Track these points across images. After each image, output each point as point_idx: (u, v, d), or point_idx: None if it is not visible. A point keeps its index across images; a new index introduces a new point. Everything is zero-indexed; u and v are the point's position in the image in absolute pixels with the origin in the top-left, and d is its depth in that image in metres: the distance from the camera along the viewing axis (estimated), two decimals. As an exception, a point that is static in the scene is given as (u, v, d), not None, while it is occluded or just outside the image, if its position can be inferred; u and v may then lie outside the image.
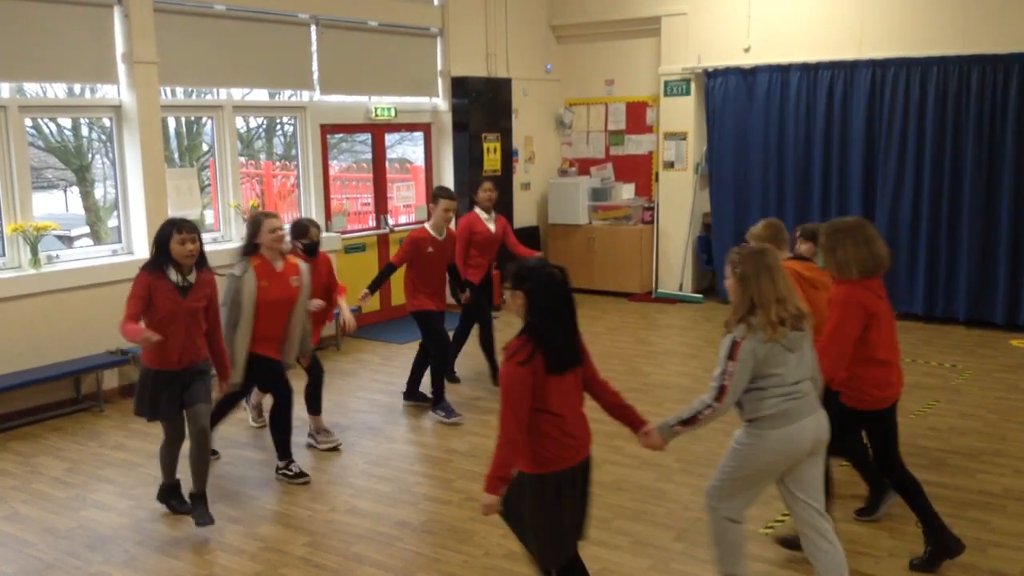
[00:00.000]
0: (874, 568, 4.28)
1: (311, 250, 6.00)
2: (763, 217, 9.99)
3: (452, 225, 6.92)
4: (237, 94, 8.61)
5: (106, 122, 7.79)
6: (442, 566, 4.42)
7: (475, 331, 7.39)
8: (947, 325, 9.19)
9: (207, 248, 4.89)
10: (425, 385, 6.83)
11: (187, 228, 4.67)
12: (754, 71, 10.04)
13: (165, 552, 4.63)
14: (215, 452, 5.75)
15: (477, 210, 7.26)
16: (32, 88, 7.88)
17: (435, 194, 6.84)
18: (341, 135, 10.11)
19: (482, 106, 10.39)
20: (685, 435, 3.69)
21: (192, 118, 10.01)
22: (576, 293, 3.37)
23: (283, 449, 5.56)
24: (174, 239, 4.63)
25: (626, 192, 11.32)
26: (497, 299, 8.30)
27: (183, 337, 4.69)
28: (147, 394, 4.76)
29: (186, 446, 4.88)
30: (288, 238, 5.79)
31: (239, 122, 8.93)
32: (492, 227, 7.25)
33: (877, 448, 4.35)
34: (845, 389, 4.25)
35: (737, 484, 3.67)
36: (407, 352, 7.92)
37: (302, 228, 6.08)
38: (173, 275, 4.66)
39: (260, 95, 9.01)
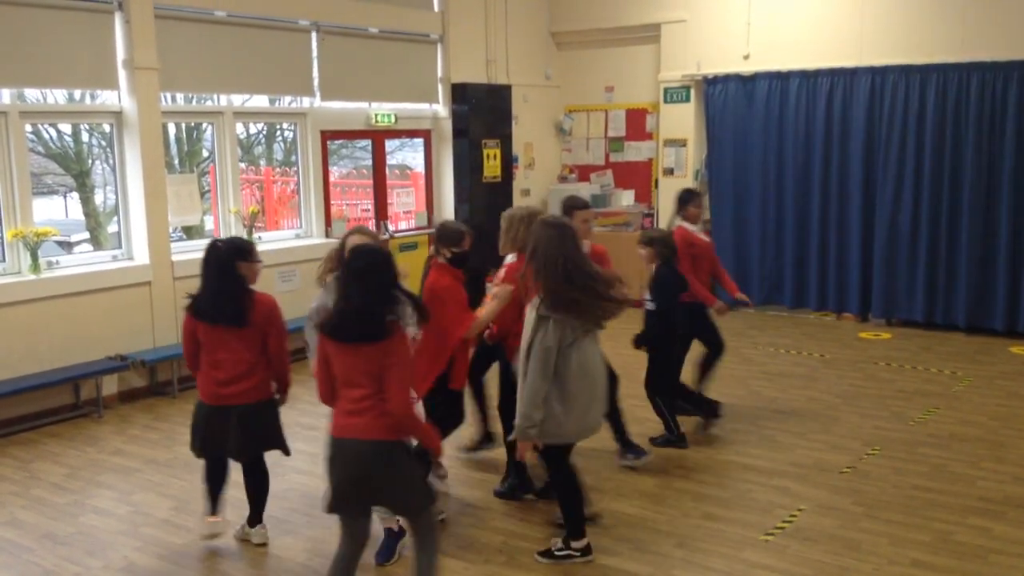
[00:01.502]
0: (873, 575, 4.28)
1: (460, 262, 4.87)
2: (762, 223, 10.11)
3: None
4: (237, 100, 8.62)
5: (106, 128, 7.81)
6: (441, 572, 4.41)
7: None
8: (947, 332, 9.18)
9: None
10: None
11: None
12: (754, 78, 10.05)
13: (164, 558, 4.63)
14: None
15: (686, 224, 6.46)
16: (32, 94, 7.90)
17: (570, 205, 5.47)
18: (341, 141, 10.12)
19: (482, 112, 10.39)
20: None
21: (192, 124, 10.02)
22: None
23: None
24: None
25: (626, 199, 11.33)
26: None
27: None
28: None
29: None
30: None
31: (239, 128, 8.93)
32: (705, 238, 6.62)
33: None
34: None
35: None
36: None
37: (455, 234, 4.87)
38: None
39: (260, 101, 9.01)
